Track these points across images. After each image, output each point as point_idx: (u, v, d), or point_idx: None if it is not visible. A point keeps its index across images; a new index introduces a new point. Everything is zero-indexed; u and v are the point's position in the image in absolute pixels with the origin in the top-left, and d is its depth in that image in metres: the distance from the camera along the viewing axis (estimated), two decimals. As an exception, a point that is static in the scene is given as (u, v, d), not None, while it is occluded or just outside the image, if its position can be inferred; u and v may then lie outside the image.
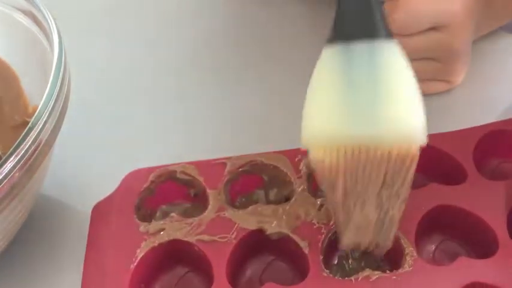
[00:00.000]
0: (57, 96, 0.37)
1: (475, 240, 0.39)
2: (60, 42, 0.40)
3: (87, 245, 0.40)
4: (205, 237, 0.39)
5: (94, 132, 0.50)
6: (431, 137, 0.42)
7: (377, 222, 0.36)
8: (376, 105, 0.32)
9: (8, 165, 0.34)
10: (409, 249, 0.37)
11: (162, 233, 0.39)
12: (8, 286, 0.42)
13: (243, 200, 0.42)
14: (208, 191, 0.41)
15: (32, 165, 0.35)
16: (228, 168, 0.42)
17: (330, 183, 0.34)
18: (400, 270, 0.37)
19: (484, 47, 0.50)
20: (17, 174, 0.35)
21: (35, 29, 0.42)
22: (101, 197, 0.42)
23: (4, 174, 0.34)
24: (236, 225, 0.39)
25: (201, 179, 0.42)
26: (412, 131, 0.32)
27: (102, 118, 0.52)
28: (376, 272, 0.37)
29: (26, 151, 0.35)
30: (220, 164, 0.42)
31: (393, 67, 0.33)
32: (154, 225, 0.40)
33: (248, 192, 0.43)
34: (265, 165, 0.42)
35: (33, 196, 0.41)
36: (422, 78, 0.47)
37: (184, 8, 0.61)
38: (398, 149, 0.32)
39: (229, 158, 0.42)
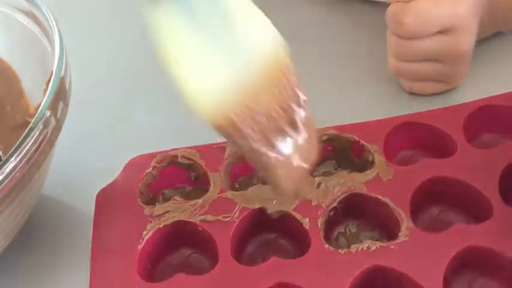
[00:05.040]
0: (58, 96, 0.37)
1: (469, 208, 0.39)
2: (61, 43, 0.39)
3: (93, 228, 0.40)
4: (209, 217, 0.39)
5: (94, 132, 0.50)
6: (421, 114, 0.43)
7: (295, 151, 0.35)
8: (234, 43, 0.32)
9: (10, 165, 0.34)
10: (405, 220, 0.38)
11: (166, 215, 0.40)
12: (9, 285, 0.41)
13: (242, 182, 0.43)
14: (210, 173, 0.42)
15: (33, 165, 0.35)
16: (228, 151, 0.43)
17: (234, 139, 0.34)
18: (397, 240, 0.37)
19: (484, 47, 0.50)
20: (18, 174, 0.34)
21: (36, 29, 0.42)
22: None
23: (5, 174, 0.34)
24: (238, 205, 0.40)
25: (202, 162, 0.42)
26: (272, 41, 0.33)
27: (102, 118, 0.51)
28: (376, 243, 0.37)
29: (27, 151, 0.35)
30: (221, 147, 0.43)
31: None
32: (158, 208, 0.40)
33: (247, 175, 0.43)
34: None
35: (34, 196, 0.40)
36: (424, 79, 0.48)
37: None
38: (272, 65, 0.33)
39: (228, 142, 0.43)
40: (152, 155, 0.43)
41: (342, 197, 0.40)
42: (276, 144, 0.34)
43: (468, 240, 0.37)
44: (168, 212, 0.40)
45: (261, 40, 0.33)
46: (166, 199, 0.42)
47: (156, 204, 0.41)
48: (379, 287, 0.37)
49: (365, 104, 0.48)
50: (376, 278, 0.37)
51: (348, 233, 0.41)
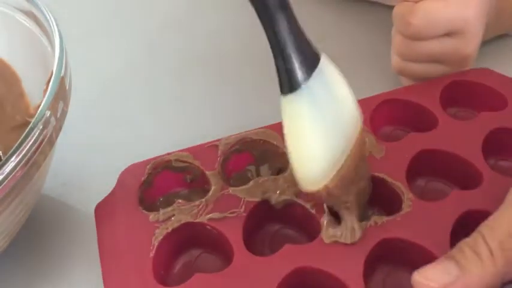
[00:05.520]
0: (58, 96, 0.37)
1: (459, 176, 0.41)
2: (61, 43, 0.39)
3: (98, 245, 0.39)
4: (216, 215, 0.39)
5: (94, 132, 0.50)
6: (399, 91, 0.45)
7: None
8: (340, 125, 0.36)
9: (10, 165, 0.34)
10: (405, 192, 0.39)
11: (172, 219, 0.40)
12: (9, 285, 0.41)
13: (236, 177, 0.43)
14: (207, 172, 0.42)
15: (33, 165, 0.35)
16: (220, 148, 0.43)
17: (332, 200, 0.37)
18: (402, 212, 0.38)
19: (488, 48, 0.50)
20: (18, 174, 0.34)
21: (36, 29, 0.42)
22: (102, 196, 0.42)
23: (5, 174, 0.34)
24: (242, 199, 0.40)
25: (197, 163, 0.42)
26: (358, 114, 0.37)
27: (102, 118, 0.51)
28: (382, 217, 0.38)
29: (27, 151, 0.34)
30: (213, 146, 0.43)
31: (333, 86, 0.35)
32: (163, 213, 0.40)
33: (241, 170, 0.43)
34: (254, 141, 0.43)
35: (34, 196, 0.40)
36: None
37: (184, 8, 0.62)
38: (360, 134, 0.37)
39: (219, 140, 0.43)
40: (146, 163, 0.43)
41: None
42: None
43: (467, 205, 0.38)
44: (173, 215, 0.40)
45: (354, 115, 0.36)
46: (166, 204, 0.41)
47: (160, 210, 0.41)
48: (391, 260, 0.38)
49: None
50: (388, 251, 0.37)
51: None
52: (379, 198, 0.40)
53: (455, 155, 0.41)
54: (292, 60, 0.33)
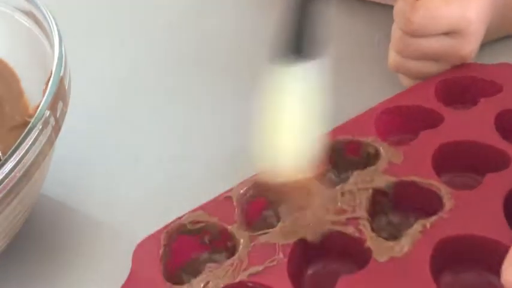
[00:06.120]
0: (57, 96, 0.37)
1: (485, 162, 0.39)
2: (61, 43, 0.39)
3: None
4: (255, 269, 0.36)
5: (94, 132, 0.50)
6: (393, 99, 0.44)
7: None
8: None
9: (9, 166, 0.34)
10: (442, 187, 0.37)
11: (209, 285, 0.36)
12: (8, 286, 0.41)
13: (260, 225, 0.40)
14: (230, 227, 0.38)
15: (32, 165, 0.35)
16: (234, 200, 0.40)
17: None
18: (446, 209, 0.36)
19: (490, 49, 0.50)
20: (17, 174, 0.34)
21: (35, 29, 0.42)
22: (102, 196, 0.42)
23: (4, 174, 0.33)
24: (277, 244, 0.36)
25: (214, 220, 0.39)
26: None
27: (102, 118, 0.51)
28: (428, 219, 0.36)
29: (27, 151, 0.34)
30: (227, 198, 0.40)
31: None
32: (197, 281, 0.36)
33: (260, 216, 0.40)
34: (266, 183, 0.38)
35: (34, 196, 0.40)
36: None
37: (184, 8, 0.62)
38: None
39: (231, 190, 0.40)
40: (158, 234, 0.39)
41: (369, 193, 0.39)
42: None
43: (508, 184, 0.37)
44: (208, 282, 0.36)
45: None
46: (192, 272, 0.38)
47: (191, 280, 0.37)
48: (455, 259, 0.36)
49: (368, 103, 0.48)
50: (448, 251, 0.36)
51: (392, 223, 0.39)
52: (414, 202, 0.39)
53: (475, 141, 0.40)
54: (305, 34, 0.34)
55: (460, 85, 0.45)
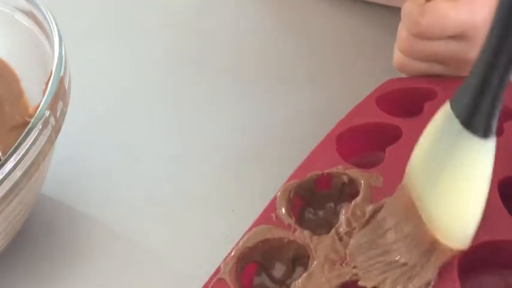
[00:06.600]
0: (57, 96, 0.37)
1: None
2: (61, 43, 0.39)
3: None
4: None
5: (94, 132, 0.50)
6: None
7: None
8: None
9: (9, 166, 0.33)
10: None
11: None
12: (8, 286, 0.41)
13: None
14: None
15: (32, 165, 0.35)
16: (224, 278, 0.35)
17: None
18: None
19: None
20: (17, 174, 0.34)
21: (35, 29, 0.42)
22: (102, 196, 0.42)
23: (4, 174, 0.33)
24: None
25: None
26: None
27: (101, 118, 0.51)
28: None
29: (27, 151, 0.34)
30: (219, 280, 0.35)
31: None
32: None
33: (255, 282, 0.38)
34: (252, 248, 0.37)
35: (34, 196, 0.40)
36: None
37: (184, 8, 0.62)
38: None
39: (219, 270, 0.36)
40: None
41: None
42: None
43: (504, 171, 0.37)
44: None
45: None
46: None
47: None
48: (480, 266, 0.36)
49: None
50: (472, 259, 0.35)
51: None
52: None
53: None
54: (498, 106, 0.32)
55: (401, 96, 0.45)
